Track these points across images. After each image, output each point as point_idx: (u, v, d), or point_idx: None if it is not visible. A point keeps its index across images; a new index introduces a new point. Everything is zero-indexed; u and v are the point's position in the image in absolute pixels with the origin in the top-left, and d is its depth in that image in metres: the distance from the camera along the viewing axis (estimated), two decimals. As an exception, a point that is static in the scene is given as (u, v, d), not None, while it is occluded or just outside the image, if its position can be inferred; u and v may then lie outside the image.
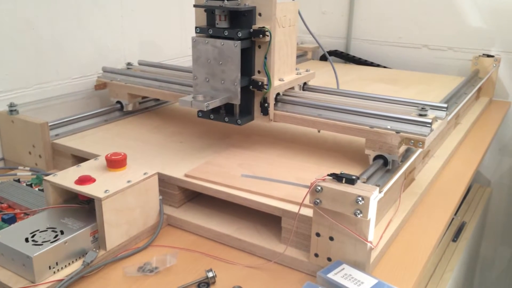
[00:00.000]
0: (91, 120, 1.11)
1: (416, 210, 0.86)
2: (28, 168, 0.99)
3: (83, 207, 0.75)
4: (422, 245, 0.76)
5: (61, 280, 0.65)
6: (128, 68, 1.26)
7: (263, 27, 0.85)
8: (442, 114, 0.90)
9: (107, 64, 1.25)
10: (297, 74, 0.99)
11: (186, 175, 0.83)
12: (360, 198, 0.61)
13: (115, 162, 0.77)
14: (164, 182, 0.84)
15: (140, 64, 1.30)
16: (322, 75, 1.19)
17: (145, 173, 0.76)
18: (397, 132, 0.81)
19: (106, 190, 0.70)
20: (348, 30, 1.88)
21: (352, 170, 0.85)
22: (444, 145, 1.12)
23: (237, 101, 0.88)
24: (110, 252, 0.71)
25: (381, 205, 0.74)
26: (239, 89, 0.86)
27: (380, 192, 0.65)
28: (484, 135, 1.28)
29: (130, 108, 1.18)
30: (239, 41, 0.84)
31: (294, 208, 0.71)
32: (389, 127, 0.83)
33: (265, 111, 0.91)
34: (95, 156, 0.83)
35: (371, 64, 1.80)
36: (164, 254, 0.72)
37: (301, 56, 1.87)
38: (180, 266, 0.71)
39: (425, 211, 0.86)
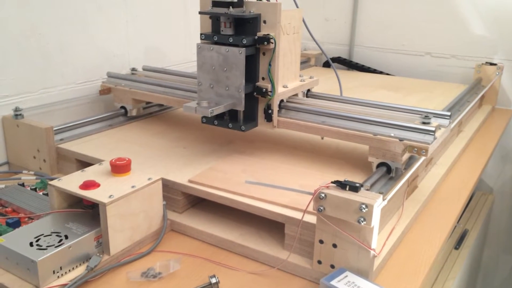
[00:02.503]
0: (95, 125, 1.12)
1: (419, 217, 0.86)
2: (32, 172, 1.00)
3: (87, 212, 0.75)
4: (425, 252, 0.76)
5: (65, 284, 0.65)
6: (133, 74, 1.27)
7: (268, 34, 0.85)
8: (445, 122, 0.90)
9: (112, 69, 1.26)
10: (301, 81, 1.00)
11: (190, 181, 0.83)
12: (363, 206, 0.61)
13: (120, 167, 0.77)
14: (168, 187, 0.84)
15: (144, 69, 1.31)
16: (325, 81, 1.20)
17: (149, 179, 0.76)
18: (401, 139, 0.82)
19: (111, 195, 0.70)
20: (351, 37, 1.89)
21: (356, 177, 0.86)
22: (447, 152, 1.12)
23: (241, 107, 0.88)
24: (113, 257, 0.71)
25: (384, 213, 0.74)
26: (243, 96, 0.87)
27: (383, 199, 0.65)
28: (487, 142, 1.28)
29: (134, 113, 1.19)
30: (244, 48, 0.84)
31: (297, 215, 0.71)
32: (392, 134, 0.84)
33: (269, 118, 0.92)
34: (99, 161, 0.84)
35: (374, 71, 1.81)
36: (167, 259, 0.72)
37: (305, 62, 1.87)
38: (183, 271, 0.71)
39: (428, 218, 0.86)
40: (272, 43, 0.85)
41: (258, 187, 0.78)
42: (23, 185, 0.91)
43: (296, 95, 0.99)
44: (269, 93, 0.89)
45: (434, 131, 0.81)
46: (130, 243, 0.74)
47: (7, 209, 0.83)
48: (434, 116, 0.89)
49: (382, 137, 0.84)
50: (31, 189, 0.89)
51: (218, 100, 0.89)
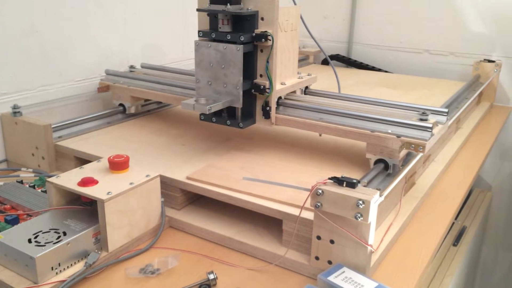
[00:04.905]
0: (94, 122, 1.12)
1: (417, 214, 0.86)
2: (31, 170, 1.00)
3: (86, 209, 0.75)
4: (422, 249, 0.76)
5: (64, 281, 0.65)
6: (131, 71, 1.27)
7: (266, 31, 0.86)
8: (443, 118, 0.90)
9: (110, 67, 1.26)
10: (298, 78, 1.00)
11: (188, 178, 0.84)
12: (360, 202, 0.62)
13: (118, 164, 0.77)
14: (166, 184, 0.84)
15: (142, 67, 1.31)
16: (324, 79, 1.20)
17: (147, 176, 0.77)
18: (398, 136, 0.82)
19: (109, 192, 0.70)
20: (350, 35, 1.89)
21: (353, 174, 0.86)
22: (445, 149, 1.12)
23: (239, 104, 0.88)
24: (112, 253, 0.72)
25: (381, 209, 0.75)
26: (241, 93, 0.87)
27: (380, 196, 0.65)
28: (485, 140, 1.28)
29: (132, 110, 1.19)
30: (242, 45, 0.85)
31: (295, 211, 0.72)
32: (390, 131, 0.84)
33: (266, 115, 0.92)
34: (97, 158, 0.84)
35: (372, 68, 1.81)
36: (165, 256, 0.72)
37: (303, 60, 1.87)
38: (182, 268, 0.71)
39: (426, 215, 0.86)
40: (270, 40, 0.86)
41: (256, 184, 0.78)
42: (21, 182, 0.91)
43: (294, 92, 0.99)
44: (267, 90, 0.89)
45: (431, 128, 0.82)
46: (128, 239, 0.74)
47: (6, 206, 0.83)
48: (431, 113, 0.89)
49: (379, 134, 0.84)
50: (29, 186, 0.89)
51: (216, 97, 0.90)
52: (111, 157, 0.78)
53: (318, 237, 0.68)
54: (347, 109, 0.92)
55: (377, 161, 0.85)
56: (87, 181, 0.73)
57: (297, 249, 0.73)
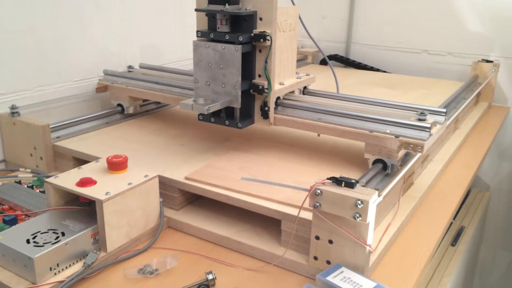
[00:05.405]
0: (92, 123, 1.12)
1: (415, 214, 0.86)
2: (29, 170, 1.00)
3: (84, 209, 0.75)
4: (420, 248, 0.76)
5: (62, 281, 0.65)
6: (129, 71, 1.27)
7: (264, 31, 0.86)
8: (441, 118, 0.91)
9: (109, 67, 1.26)
10: (297, 78, 1.00)
11: (187, 178, 0.84)
12: (359, 202, 0.62)
13: (116, 165, 0.77)
14: (165, 184, 0.84)
15: (141, 67, 1.31)
16: (322, 79, 1.20)
17: (145, 176, 0.77)
18: (396, 136, 0.82)
19: (107, 192, 0.70)
20: (348, 35, 1.89)
21: (352, 174, 0.86)
22: (443, 149, 1.13)
23: (237, 104, 0.88)
24: (110, 254, 0.72)
25: (380, 209, 0.75)
26: (239, 93, 0.87)
27: (379, 196, 0.65)
28: (483, 140, 1.28)
29: (131, 111, 1.19)
30: (240, 45, 0.85)
31: (293, 211, 0.72)
32: (388, 131, 0.84)
33: (265, 115, 0.92)
34: (96, 159, 0.84)
35: (370, 68, 1.81)
36: (164, 256, 0.72)
37: (301, 60, 1.87)
38: (180, 268, 0.71)
39: (424, 215, 0.86)
40: (268, 40, 0.86)
41: (254, 184, 0.78)
42: (20, 182, 0.91)
43: (293, 92, 0.99)
44: (266, 90, 0.89)
45: (429, 128, 0.82)
46: (127, 240, 0.74)
47: (4, 206, 0.83)
48: (429, 113, 0.90)
49: (378, 134, 0.84)
50: (28, 186, 0.89)
51: (214, 97, 0.90)
52: (110, 157, 0.78)
53: (317, 237, 0.68)
54: (346, 109, 0.92)
55: (376, 161, 0.85)
56: (85, 182, 0.73)
57: (295, 249, 0.73)
